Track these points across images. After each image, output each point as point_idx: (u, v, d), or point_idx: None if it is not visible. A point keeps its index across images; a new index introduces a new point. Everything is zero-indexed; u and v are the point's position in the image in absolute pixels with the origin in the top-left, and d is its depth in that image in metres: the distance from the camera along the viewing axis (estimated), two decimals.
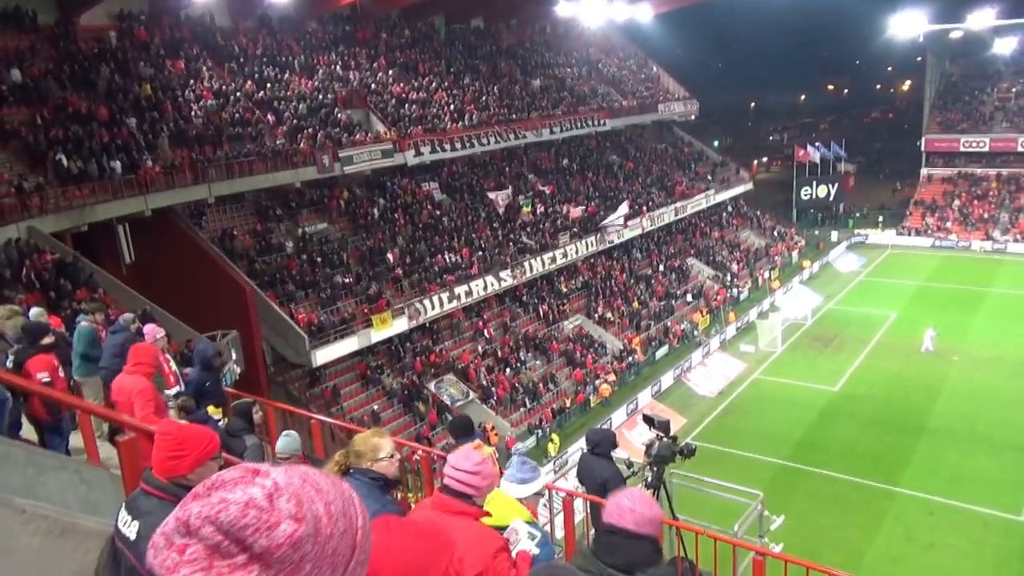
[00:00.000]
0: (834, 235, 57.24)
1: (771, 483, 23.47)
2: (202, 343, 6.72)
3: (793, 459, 27.30)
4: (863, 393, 32.38)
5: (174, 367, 9.37)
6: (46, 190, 21.59)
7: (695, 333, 39.92)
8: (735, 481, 9.33)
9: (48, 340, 7.10)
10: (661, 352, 38.01)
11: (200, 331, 21.20)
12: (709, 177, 53.53)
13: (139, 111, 26.35)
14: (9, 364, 6.68)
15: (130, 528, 2.55)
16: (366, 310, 28.62)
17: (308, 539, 0.94)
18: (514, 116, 40.67)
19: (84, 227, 22.85)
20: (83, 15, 27.92)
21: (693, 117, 57.78)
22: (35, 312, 8.39)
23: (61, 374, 7.01)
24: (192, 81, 29.35)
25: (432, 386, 30.26)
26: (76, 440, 6.71)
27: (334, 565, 0.96)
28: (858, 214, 60.84)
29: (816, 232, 57.79)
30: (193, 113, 27.99)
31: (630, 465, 7.47)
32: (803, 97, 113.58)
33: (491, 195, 36.92)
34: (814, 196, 59.64)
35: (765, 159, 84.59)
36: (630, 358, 36.16)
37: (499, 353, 33.52)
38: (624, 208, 40.34)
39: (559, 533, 7.51)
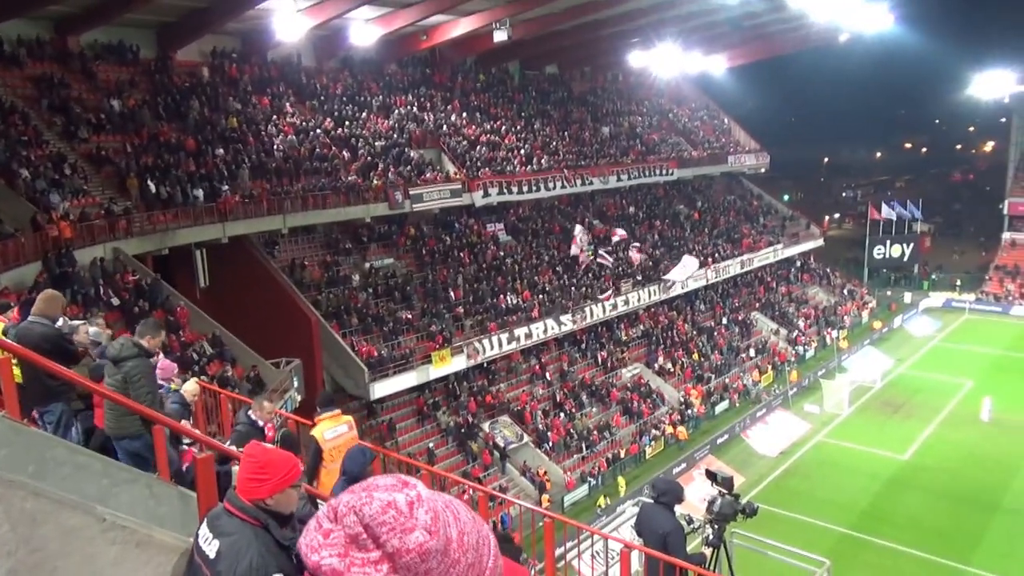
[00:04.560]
0: (907, 296, 55.35)
1: (831, 551, 22.30)
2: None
3: (856, 528, 26.12)
4: (934, 464, 30.89)
5: None
6: (133, 213, 22.67)
7: (756, 389, 38.90)
8: (794, 546, 8.98)
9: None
10: (721, 407, 37.12)
11: (266, 357, 21.76)
12: (777, 231, 52.67)
13: (224, 143, 27.56)
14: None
15: (210, 545, 2.58)
16: (427, 346, 28.89)
17: (435, 554, 0.99)
18: (583, 162, 40.99)
19: (165, 251, 23.85)
20: (180, 51, 29.54)
21: (763, 170, 57.17)
22: (94, 331, 8.76)
23: None
24: (275, 116, 30.60)
25: (486, 426, 30.18)
26: None
27: None
28: (934, 276, 58.78)
29: (889, 293, 56.00)
30: (275, 147, 29.12)
31: (690, 521, 7.26)
32: (879, 154, 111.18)
33: (576, 234, 36.76)
34: (887, 256, 57.89)
35: (837, 215, 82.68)
36: (689, 411, 35.42)
37: (556, 397, 33.29)
38: (692, 262, 39.49)
39: None
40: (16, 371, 5.91)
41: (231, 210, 25.34)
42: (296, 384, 21.93)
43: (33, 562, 3.17)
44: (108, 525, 3.47)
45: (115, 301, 19.75)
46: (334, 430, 7.25)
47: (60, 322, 7.02)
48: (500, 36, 33.01)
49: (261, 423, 7.08)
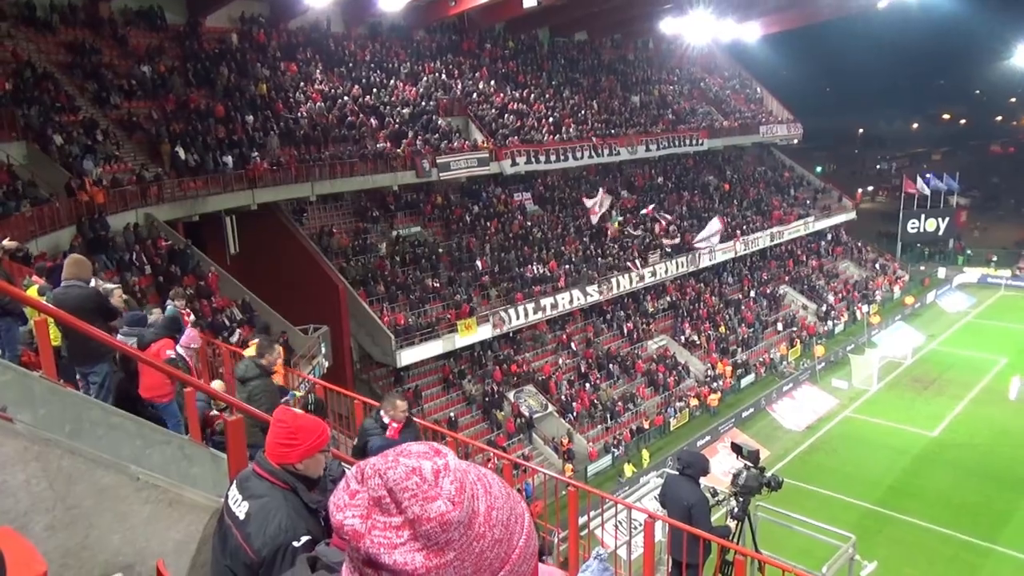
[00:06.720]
0: (941, 272, 54.27)
1: (855, 526, 22.24)
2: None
3: (882, 504, 25.94)
4: (964, 441, 30.49)
5: None
6: (164, 180, 22.89)
7: (784, 363, 38.60)
8: (819, 520, 8.93)
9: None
10: (747, 380, 36.92)
11: (294, 323, 22.00)
12: (809, 203, 51.79)
13: (253, 109, 27.64)
14: (132, 343, 7.14)
15: (240, 507, 2.62)
16: (452, 315, 29.01)
17: (457, 526, 0.96)
18: (612, 131, 40.50)
19: (196, 217, 24.11)
20: (209, 16, 29.54)
21: (796, 141, 56.10)
22: (172, 307, 9.18)
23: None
24: (303, 83, 30.58)
25: (511, 396, 30.35)
26: None
27: (479, 567, 0.98)
28: (968, 252, 57.44)
29: (922, 268, 54.94)
30: (302, 114, 29.13)
31: (715, 494, 7.26)
32: (915, 126, 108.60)
33: (587, 202, 36.55)
34: (922, 230, 56.58)
35: (870, 188, 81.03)
36: (716, 383, 35.29)
37: (581, 368, 33.33)
38: (716, 224, 39.24)
39: (636, 553, 7.38)
40: (53, 333, 6.03)
41: (260, 177, 25.50)
42: (324, 351, 22.19)
43: (69, 519, 3.25)
44: (141, 484, 3.54)
45: (147, 269, 20.04)
46: None
47: (93, 282, 7.17)
48: (529, 2, 32.46)
49: (387, 420, 6.95)
